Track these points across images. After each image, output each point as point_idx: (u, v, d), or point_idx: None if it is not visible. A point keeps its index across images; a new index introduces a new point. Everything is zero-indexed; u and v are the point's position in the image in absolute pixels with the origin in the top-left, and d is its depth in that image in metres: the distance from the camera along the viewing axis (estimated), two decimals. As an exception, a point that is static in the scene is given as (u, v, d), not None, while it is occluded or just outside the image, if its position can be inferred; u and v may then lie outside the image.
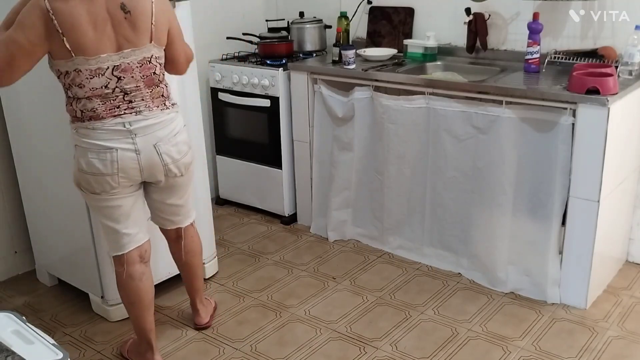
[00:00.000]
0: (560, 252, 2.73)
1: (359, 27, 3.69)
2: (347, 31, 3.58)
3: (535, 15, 2.88)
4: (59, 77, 2.14)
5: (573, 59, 2.85)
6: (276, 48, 3.53)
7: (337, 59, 3.32)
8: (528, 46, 2.89)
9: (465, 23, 3.16)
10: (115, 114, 2.13)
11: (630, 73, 2.69)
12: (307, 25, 3.67)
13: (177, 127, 2.26)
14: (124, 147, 2.15)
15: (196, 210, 2.91)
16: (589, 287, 2.70)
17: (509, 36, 3.18)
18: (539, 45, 2.87)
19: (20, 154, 2.90)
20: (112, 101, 2.13)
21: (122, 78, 2.12)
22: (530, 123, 2.67)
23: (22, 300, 2.98)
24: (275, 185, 3.61)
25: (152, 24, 2.12)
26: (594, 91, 2.48)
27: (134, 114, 2.15)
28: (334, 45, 3.41)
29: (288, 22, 3.78)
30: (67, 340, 2.65)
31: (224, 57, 3.71)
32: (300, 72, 3.35)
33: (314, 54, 3.65)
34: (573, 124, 2.55)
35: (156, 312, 2.81)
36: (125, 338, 2.64)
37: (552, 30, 3.02)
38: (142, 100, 2.17)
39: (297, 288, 3.00)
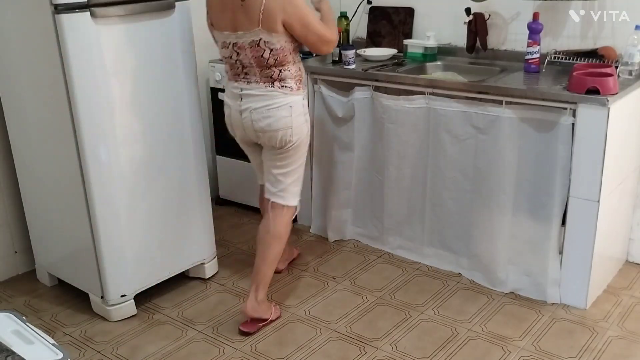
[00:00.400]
0: (560, 252, 2.73)
1: (359, 27, 3.69)
2: (347, 31, 3.58)
3: (535, 15, 2.88)
4: None
5: (573, 59, 2.85)
6: (276, 48, 3.53)
7: (337, 59, 3.32)
8: (528, 46, 2.89)
9: (465, 23, 3.16)
10: (236, 79, 2.61)
11: (630, 73, 2.69)
12: (307, 25, 3.66)
13: (275, 104, 2.54)
14: (234, 106, 2.62)
15: (196, 210, 2.93)
16: (589, 287, 2.70)
17: (509, 36, 3.18)
18: (539, 45, 2.87)
19: (20, 154, 2.90)
20: (235, 70, 2.60)
21: (239, 53, 2.53)
22: (530, 123, 2.67)
23: (22, 300, 2.98)
24: (275, 185, 3.61)
25: (260, 12, 2.41)
26: (594, 91, 2.48)
27: (246, 82, 2.58)
28: (334, 45, 3.41)
29: (288, 22, 3.77)
30: (67, 340, 2.65)
31: (224, 57, 3.71)
32: (300, 72, 3.35)
33: (314, 54, 3.64)
34: (573, 124, 2.55)
35: (156, 311, 2.82)
36: (126, 338, 2.64)
37: (552, 30, 3.02)
38: (254, 75, 2.55)
39: (297, 288, 3.00)
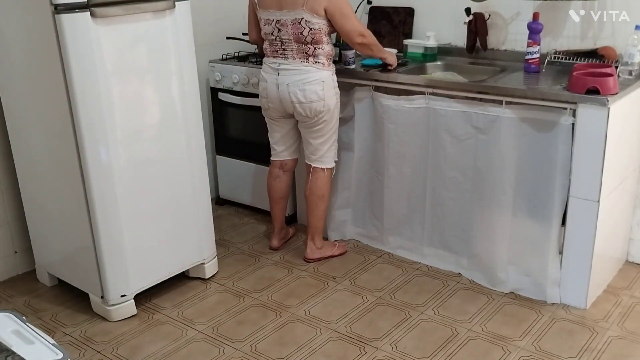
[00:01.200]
0: (560, 252, 2.73)
1: (359, 27, 3.68)
2: (347, 31, 3.57)
3: (535, 15, 2.88)
4: None
5: (573, 59, 2.85)
6: (276, 48, 3.53)
7: (337, 59, 3.32)
8: (528, 46, 2.89)
9: (465, 23, 3.16)
10: (274, 55, 2.94)
11: (630, 73, 2.69)
12: (307, 25, 3.66)
13: (310, 78, 2.86)
14: (271, 80, 2.94)
15: (196, 210, 2.93)
16: (589, 287, 2.70)
17: (509, 36, 3.18)
18: (539, 45, 2.87)
19: (20, 154, 2.90)
20: (274, 46, 2.92)
21: (280, 30, 2.86)
22: (530, 123, 2.67)
23: (22, 300, 2.98)
24: (275, 185, 3.61)
25: None
26: (594, 91, 2.48)
27: (283, 58, 2.91)
28: (334, 45, 3.41)
29: (288, 22, 3.78)
30: (67, 340, 2.65)
31: (224, 57, 3.71)
32: (300, 72, 3.35)
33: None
34: (573, 124, 2.55)
35: (156, 311, 2.82)
36: (126, 338, 2.65)
37: (552, 30, 3.02)
38: (291, 51, 2.88)
39: (297, 288, 3.00)
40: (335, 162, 3.12)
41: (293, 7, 2.78)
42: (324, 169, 3.07)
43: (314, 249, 3.21)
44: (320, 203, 3.12)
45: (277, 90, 2.92)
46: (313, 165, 3.07)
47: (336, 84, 2.96)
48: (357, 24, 2.88)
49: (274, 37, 2.89)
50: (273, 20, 2.86)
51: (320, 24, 2.81)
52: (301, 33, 2.81)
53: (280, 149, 3.18)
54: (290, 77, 2.88)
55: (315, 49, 2.85)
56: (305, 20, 2.79)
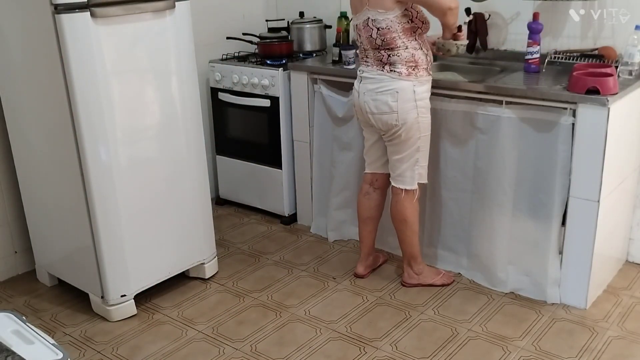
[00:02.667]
0: (560, 252, 2.73)
1: (359, 27, 3.69)
2: (347, 31, 3.58)
3: (535, 15, 2.88)
4: None
5: (573, 59, 2.85)
6: (276, 48, 3.53)
7: (337, 59, 3.32)
8: (528, 46, 2.89)
9: (465, 23, 3.16)
10: (361, 62, 2.77)
11: (630, 73, 2.69)
12: (307, 25, 3.67)
13: (383, 88, 2.64)
14: (355, 87, 2.78)
15: (196, 210, 2.93)
16: (589, 287, 2.70)
17: (509, 36, 3.18)
18: (539, 45, 2.87)
19: (20, 154, 2.90)
20: (361, 52, 2.75)
21: (360, 35, 2.69)
22: (530, 123, 2.67)
23: (22, 300, 2.98)
24: (275, 185, 3.62)
25: None
26: (594, 91, 2.48)
27: (365, 65, 2.72)
28: (334, 45, 3.41)
29: (288, 22, 3.78)
30: (67, 340, 2.65)
31: (224, 57, 3.72)
32: (300, 72, 3.35)
33: (314, 54, 3.65)
34: (573, 124, 2.56)
35: (156, 311, 2.82)
36: (126, 338, 2.65)
37: (552, 30, 3.02)
38: (369, 58, 2.69)
39: (297, 288, 3.00)
40: (422, 184, 2.82)
41: (360, 9, 2.63)
42: (402, 189, 2.79)
43: (412, 274, 2.95)
44: (404, 228, 2.85)
45: (358, 98, 2.75)
46: (392, 183, 2.83)
47: (422, 96, 2.67)
48: (442, 4, 2.54)
49: (359, 44, 2.73)
50: (354, 26, 2.73)
51: (387, 20, 2.56)
52: (371, 36, 2.61)
53: (369, 160, 2.93)
54: (366, 86, 2.69)
55: (389, 55, 2.61)
56: (372, 20, 2.58)
